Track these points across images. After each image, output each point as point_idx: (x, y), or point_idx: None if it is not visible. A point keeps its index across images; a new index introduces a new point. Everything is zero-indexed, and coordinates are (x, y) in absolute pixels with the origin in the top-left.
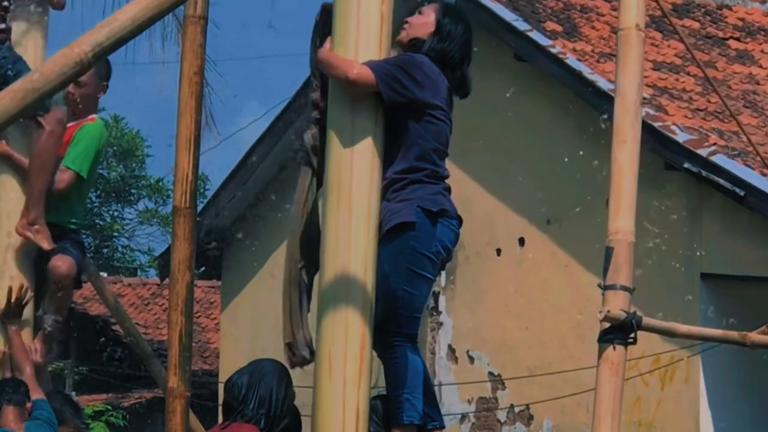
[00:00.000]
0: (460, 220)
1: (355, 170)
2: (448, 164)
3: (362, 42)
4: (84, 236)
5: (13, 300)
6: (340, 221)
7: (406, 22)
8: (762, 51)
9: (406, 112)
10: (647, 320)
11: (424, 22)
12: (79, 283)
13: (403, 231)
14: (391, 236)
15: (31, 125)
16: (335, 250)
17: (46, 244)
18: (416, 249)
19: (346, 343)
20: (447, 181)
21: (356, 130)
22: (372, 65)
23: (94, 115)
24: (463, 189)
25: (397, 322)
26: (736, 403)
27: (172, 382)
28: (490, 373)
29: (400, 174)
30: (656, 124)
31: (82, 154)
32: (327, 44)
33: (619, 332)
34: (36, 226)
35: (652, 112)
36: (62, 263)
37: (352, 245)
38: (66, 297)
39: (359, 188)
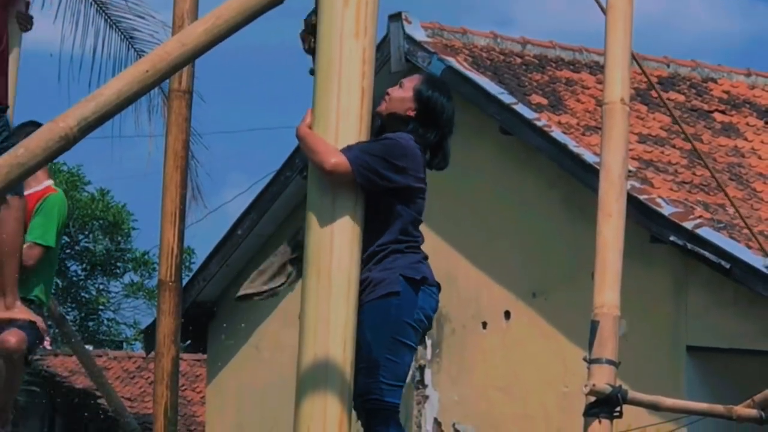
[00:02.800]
0: (439, 287)
1: (335, 248)
2: (434, 237)
3: (343, 117)
4: (68, 309)
5: None
6: (319, 298)
7: (387, 93)
8: (747, 124)
9: (388, 194)
10: (633, 394)
11: (402, 97)
12: (27, 361)
13: (387, 300)
14: (373, 305)
15: None
16: (314, 326)
17: (32, 317)
18: (399, 317)
19: (325, 419)
20: (428, 248)
21: (336, 210)
22: (350, 155)
23: (49, 183)
24: (449, 262)
25: (380, 391)
26: None
27: None
28: None
29: (381, 246)
30: (642, 197)
31: (47, 225)
32: (307, 118)
33: (604, 406)
34: (15, 309)
35: (637, 184)
36: (12, 338)
37: (331, 322)
38: (15, 374)
39: (339, 266)
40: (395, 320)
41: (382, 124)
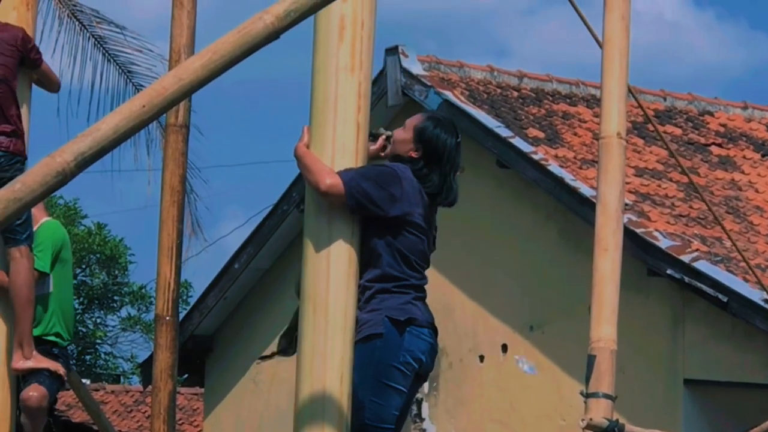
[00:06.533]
0: (434, 329)
1: (332, 282)
2: (431, 270)
3: (339, 151)
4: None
5: None
6: (316, 330)
7: (391, 134)
8: (744, 157)
9: (379, 223)
10: (630, 427)
11: (402, 139)
12: (51, 412)
13: (371, 342)
14: (359, 347)
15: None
16: (311, 359)
17: (50, 364)
18: (383, 360)
19: None
20: (426, 286)
21: (332, 244)
22: (346, 178)
23: (46, 219)
24: (446, 295)
25: None
26: None
27: None
28: None
29: (370, 282)
30: (638, 231)
31: (38, 253)
32: (304, 137)
33: None
34: (33, 359)
35: (634, 218)
36: (34, 394)
37: (328, 354)
38: (38, 425)
39: (335, 297)
40: (379, 362)
41: None
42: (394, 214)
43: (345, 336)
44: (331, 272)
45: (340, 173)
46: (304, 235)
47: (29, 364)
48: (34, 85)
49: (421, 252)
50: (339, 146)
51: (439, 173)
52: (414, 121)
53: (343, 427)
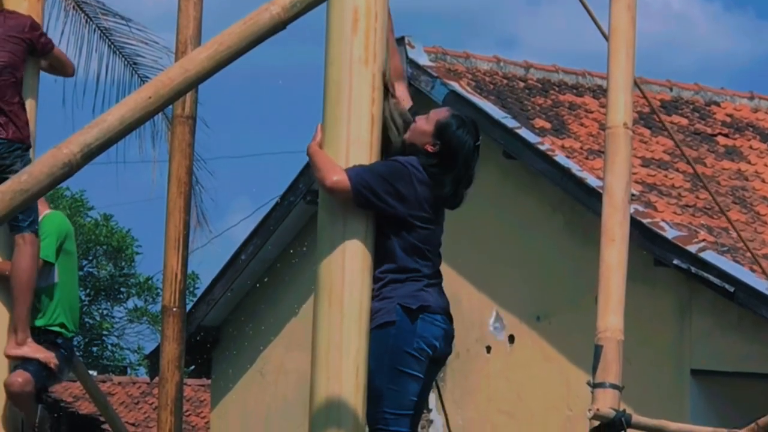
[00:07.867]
0: (448, 316)
1: (347, 275)
2: None
3: (353, 143)
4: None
5: None
6: (331, 323)
7: (414, 121)
8: (750, 147)
9: (391, 220)
10: (637, 418)
11: (423, 131)
12: (40, 399)
13: (384, 329)
14: (373, 335)
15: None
16: (327, 352)
17: (42, 354)
18: (397, 347)
19: None
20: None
21: (347, 236)
22: (353, 173)
23: (48, 212)
24: (452, 286)
25: (384, 421)
26: None
27: None
28: None
29: (383, 273)
30: (645, 221)
31: (43, 242)
32: (317, 135)
33: (608, 430)
34: (26, 347)
35: (641, 208)
36: (18, 379)
37: (343, 347)
38: (26, 410)
39: (350, 290)
40: (393, 349)
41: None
42: (402, 213)
43: (360, 328)
44: (346, 265)
45: (347, 169)
46: (318, 228)
47: (23, 351)
48: (45, 74)
49: (434, 240)
50: (354, 139)
51: (452, 176)
52: (438, 115)
53: (360, 419)
